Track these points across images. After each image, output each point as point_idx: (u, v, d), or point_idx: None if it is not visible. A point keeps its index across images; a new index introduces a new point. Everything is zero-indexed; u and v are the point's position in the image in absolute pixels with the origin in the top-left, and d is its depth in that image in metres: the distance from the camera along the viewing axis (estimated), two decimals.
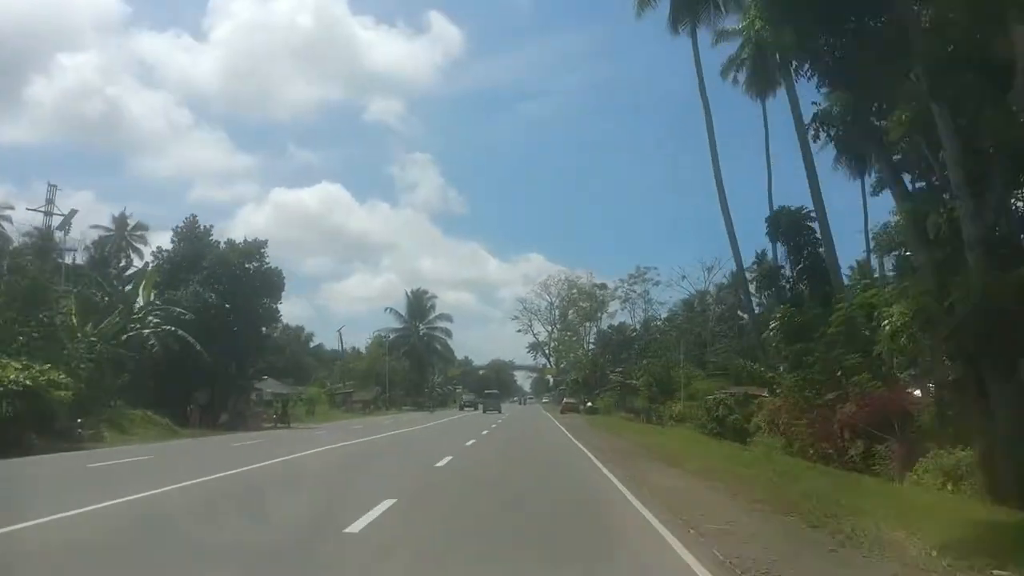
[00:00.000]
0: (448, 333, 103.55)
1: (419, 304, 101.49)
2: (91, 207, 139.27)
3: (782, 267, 31.12)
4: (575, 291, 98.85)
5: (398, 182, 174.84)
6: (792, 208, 32.77)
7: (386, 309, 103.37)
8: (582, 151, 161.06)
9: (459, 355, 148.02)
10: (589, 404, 65.28)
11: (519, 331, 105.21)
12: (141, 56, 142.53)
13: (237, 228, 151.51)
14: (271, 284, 42.85)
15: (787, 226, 30.75)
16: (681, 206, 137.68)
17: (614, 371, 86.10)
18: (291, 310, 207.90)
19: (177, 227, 42.74)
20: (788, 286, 30.38)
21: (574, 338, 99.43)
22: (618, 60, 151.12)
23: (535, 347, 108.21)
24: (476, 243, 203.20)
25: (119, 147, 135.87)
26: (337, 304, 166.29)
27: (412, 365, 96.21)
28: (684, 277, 77.95)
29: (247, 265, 41.94)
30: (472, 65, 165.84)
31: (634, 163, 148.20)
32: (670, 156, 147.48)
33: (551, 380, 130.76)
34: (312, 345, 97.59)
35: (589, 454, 21.15)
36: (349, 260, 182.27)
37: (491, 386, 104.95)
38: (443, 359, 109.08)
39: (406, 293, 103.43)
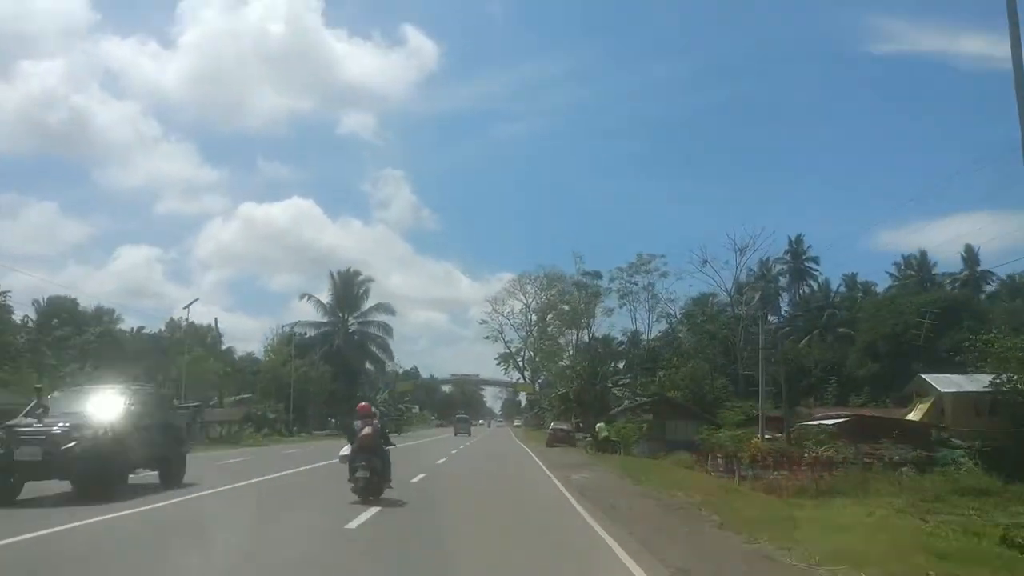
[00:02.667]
0: (387, 330, 75.33)
1: (348, 290, 72.94)
2: (55, 219, 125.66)
3: None
4: (556, 290, 75.00)
5: (370, 198, 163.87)
6: None
7: (302, 296, 74.86)
8: (558, 172, 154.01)
9: (424, 374, 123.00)
10: (603, 431, 37.17)
11: (487, 338, 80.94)
12: (107, 64, 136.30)
13: (204, 244, 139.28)
14: None
15: None
16: (666, 233, 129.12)
17: (618, 384, 61.94)
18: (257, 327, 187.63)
19: None
20: None
21: (555, 347, 75.38)
22: (596, 83, 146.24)
23: (506, 358, 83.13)
24: (448, 262, 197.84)
25: (84, 158, 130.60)
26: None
27: (336, 373, 67.87)
28: (706, 262, 55.84)
29: None
30: (448, 81, 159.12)
31: (612, 186, 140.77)
32: (644, 177, 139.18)
33: (523, 399, 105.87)
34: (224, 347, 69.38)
35: None
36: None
37: (457, 406, 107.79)
38: (381, 366, 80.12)
39: (331, 275, 75.02)
